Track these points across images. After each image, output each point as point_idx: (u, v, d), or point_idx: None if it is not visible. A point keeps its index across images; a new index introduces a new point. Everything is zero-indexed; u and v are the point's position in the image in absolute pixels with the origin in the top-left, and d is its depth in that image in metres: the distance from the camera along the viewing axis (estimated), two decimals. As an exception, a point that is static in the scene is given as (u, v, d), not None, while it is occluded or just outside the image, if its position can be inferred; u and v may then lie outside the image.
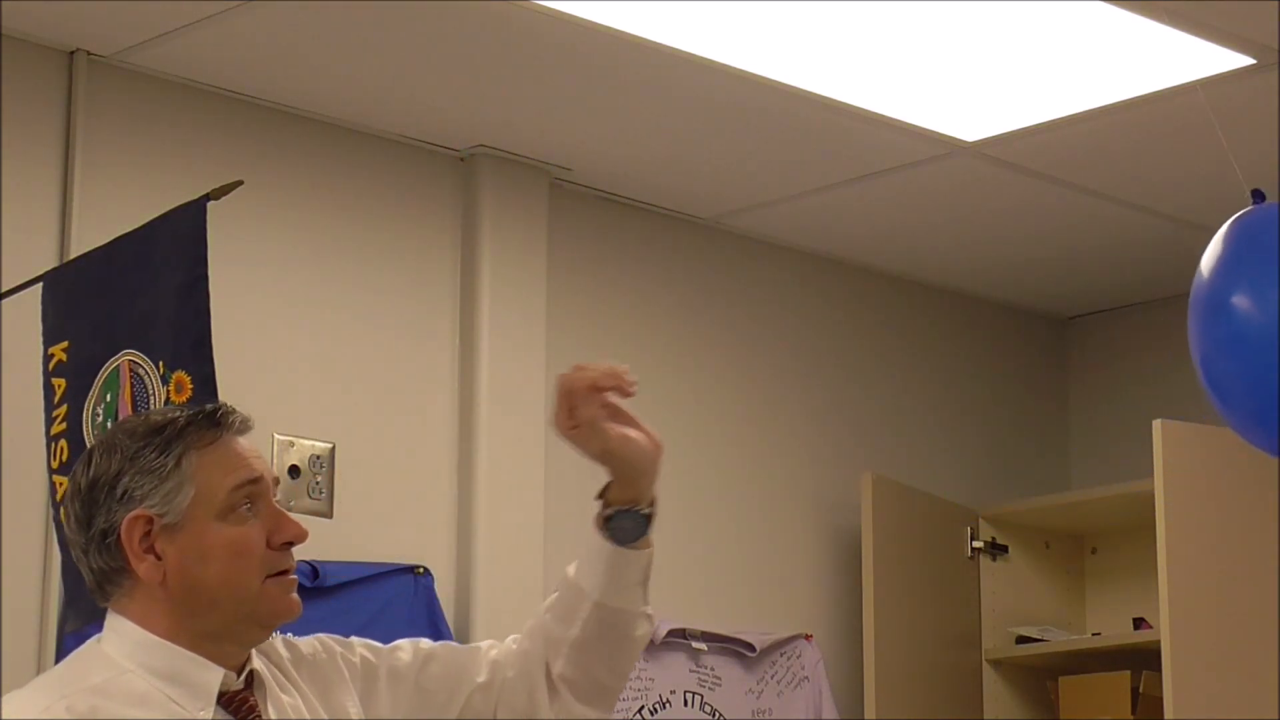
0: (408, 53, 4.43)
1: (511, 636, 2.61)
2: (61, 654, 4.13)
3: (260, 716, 2.35)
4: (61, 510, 2.40)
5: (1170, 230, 5.48)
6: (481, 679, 2.54)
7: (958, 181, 5.16)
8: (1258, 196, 2.87)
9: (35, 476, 4.10)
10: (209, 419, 2.37)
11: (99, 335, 3.73)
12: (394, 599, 4.62)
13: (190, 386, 3.50)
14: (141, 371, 3.61)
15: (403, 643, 2.57)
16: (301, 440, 4.62)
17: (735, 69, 4.45)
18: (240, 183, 3.62)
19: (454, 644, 2.61)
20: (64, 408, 3.77)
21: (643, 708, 5.11)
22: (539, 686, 2.54)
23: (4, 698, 2.37)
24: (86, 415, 3.72)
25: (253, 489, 2.36)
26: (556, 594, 2.57)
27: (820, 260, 5.71)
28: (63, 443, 3.76)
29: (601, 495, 2.53)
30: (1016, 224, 5.46)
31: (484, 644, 2.60)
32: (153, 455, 2.33)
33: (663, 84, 4.57)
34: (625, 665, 2.59)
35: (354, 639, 2.55)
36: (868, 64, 4.47)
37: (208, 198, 3.62)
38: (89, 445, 3.41)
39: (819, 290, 5.72)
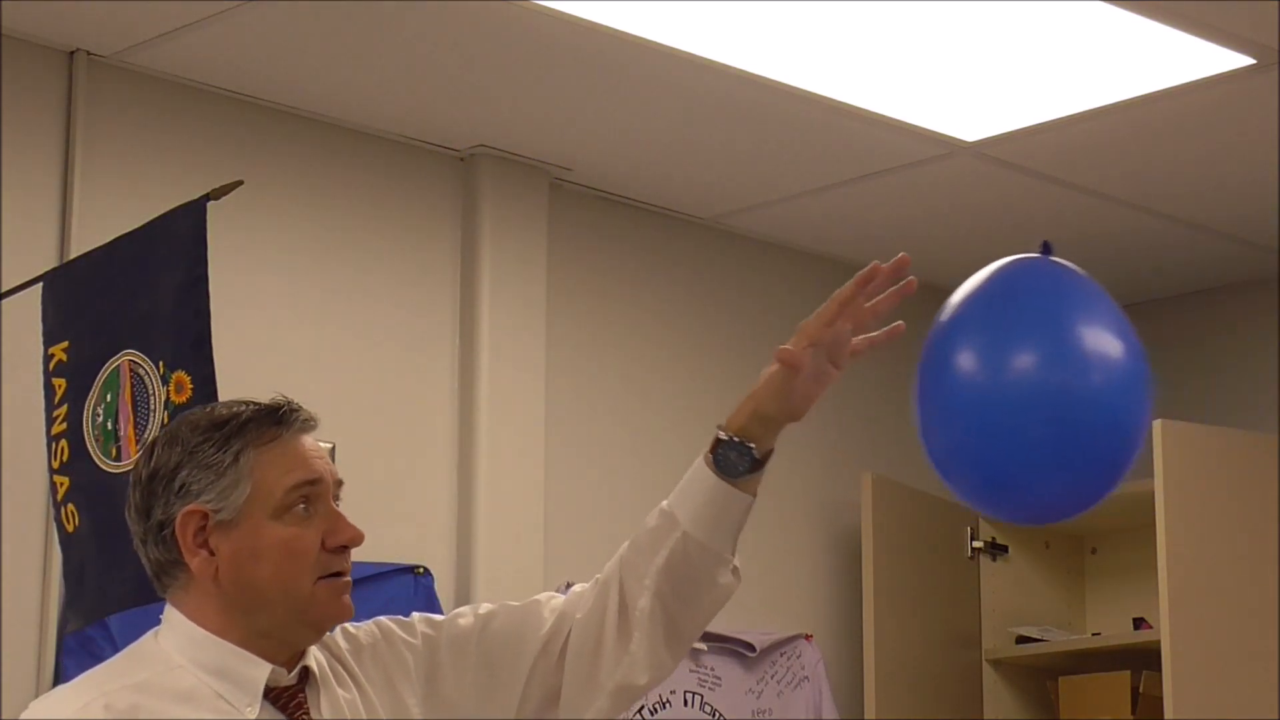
0: (408, 53, 4.43)
1: (577, 585, 2.54)
2: (62, 654, 4.13)
3: (309, 715, 2.34)
4: (129, 497, 2.39)
5: (1170, 230, 5.48)
6: (545, 630, 2.47)
7: (958, 181, 5.16)
8: (1045, 249, 2.70)
9: (35, 476, 4.10)
10: (271, 416, 2.36)
11: (99, 335, 3.73)
12: (394, 599, 4.61)
13: (190, 387, 3.50)
14: (142, 371, 3.61)
15: (464, 609, 2.53)
16: (301, 440, 4.61)
17: (735, 69, 4.45)
18: (240, 183, 3.62)
19: (513, 603, 2.54)
20: (64, 408, 3.77)
21: (643, 708, 5.10)
22: (610, 625, 2.46)
23: (47, 694, 2.37)
24: (87, 415, 3.72)
25: (311, 490, 2.36)
26: (645, 526, 2.49)
27: (820, 260, 5.71)
28: (63, 443, 3.76)
29: (720, 425, 2.47)
30: (1016, 224, 5.46)
31: (544, 595, 2.54)
32: (211, 450, 2.32)
33: (663, 84, 4.57)
34: (705, 613, 2.49)
35: (414, 615, 2.52)
36: (868, 64, 4.47)
37: (207, 198, 3.61)
38: (89, 445, 3.38)
39: (819, 290, 5.66)
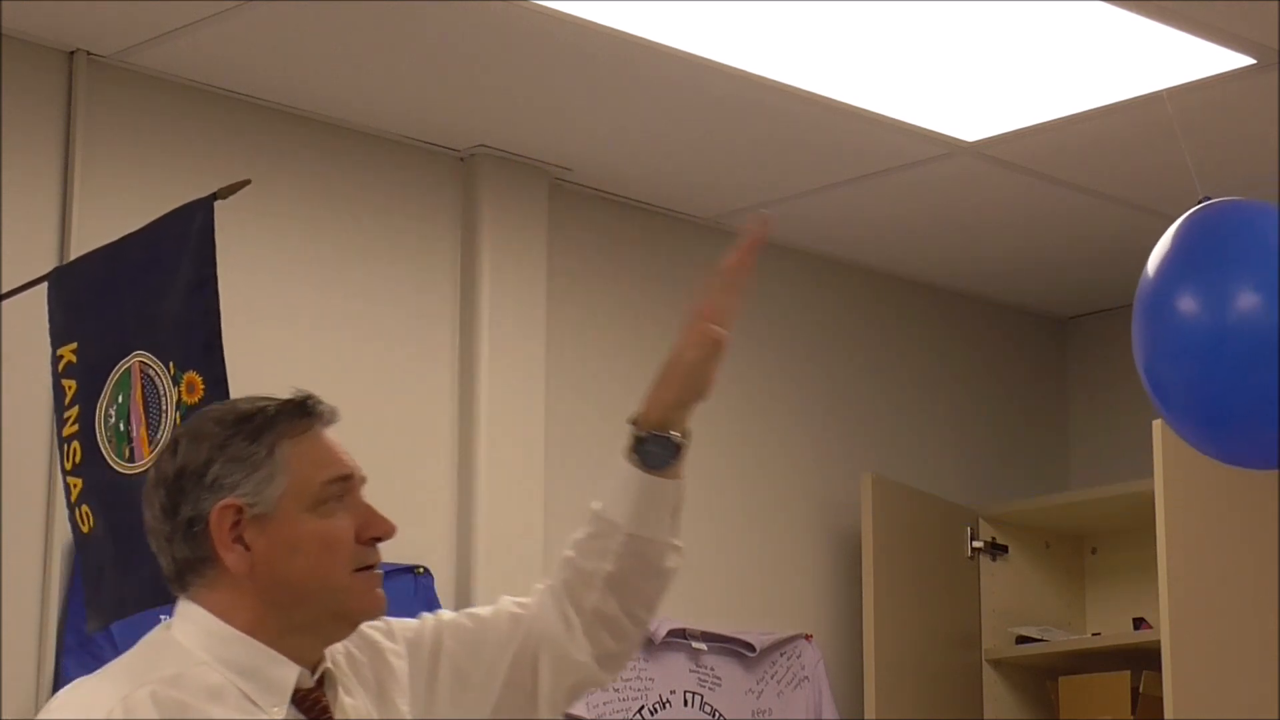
0: (408, 53, 4.43)
1: (538, 585, 2.57)
2: (62, 654, 4.12)
3: (332, 717, 2.32)
4: (144, 496, 2.35)
5: (1170, 230, 5.48)
6: (513, 641, 2.51)
7: (958, 181, 5.16)
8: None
9: (35, 477, 4.10)
10: (300, 408, 2.36)
11: (108, 336, 3.72)
12: (394, 599, 4.53)
13: (202, 387, 3.49)
14: (152, 373, 3.60)
15: (428, 617, 2.55)
16: (301, 440, 4.61)
17: (735, 69, 4.45)
18: (248, 181, 3.60)
19: (467, 618, 2.55)
20: (75, 409, 3.76)
21: (643, 708, 5.11)
22: (572, 626, 2.51)
23: (72, 686, 2.32)
24: (99, 416, 3.71)
25: (344, 485, 2.35)
26: (584, 531, 2.53)
27: (820, 260, 5.71)
28: (75, 444, 3.75)
29: (633, 420, 2.52)
30: (1016, 224, 5.46)
31: (504, 601, 2.56)
32: (243, 443, 2.31)
33: (663, 84, 4.57)
34: (656, 598, 2.55)
35: (393, 623, 2.51)
36: (868, 64, 4.47)
37: (215, 196, 3.60)
38: (102, 447, 3.36)
39: (819, 290, 5.72)
